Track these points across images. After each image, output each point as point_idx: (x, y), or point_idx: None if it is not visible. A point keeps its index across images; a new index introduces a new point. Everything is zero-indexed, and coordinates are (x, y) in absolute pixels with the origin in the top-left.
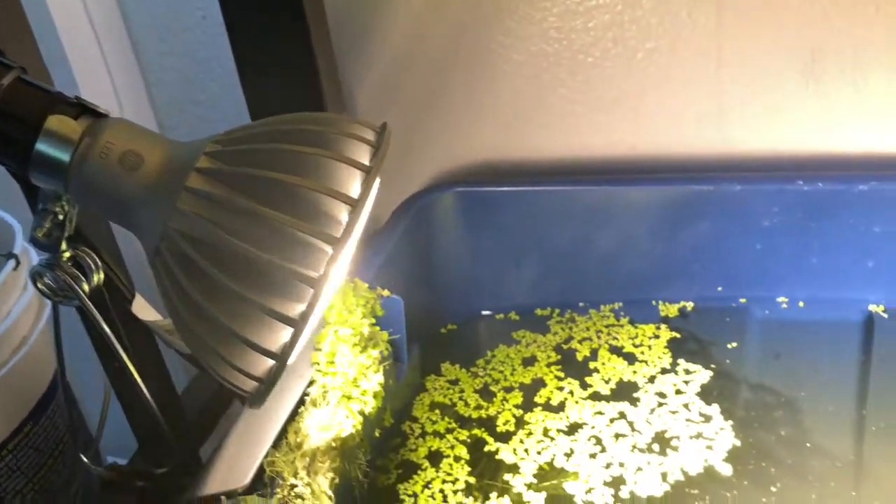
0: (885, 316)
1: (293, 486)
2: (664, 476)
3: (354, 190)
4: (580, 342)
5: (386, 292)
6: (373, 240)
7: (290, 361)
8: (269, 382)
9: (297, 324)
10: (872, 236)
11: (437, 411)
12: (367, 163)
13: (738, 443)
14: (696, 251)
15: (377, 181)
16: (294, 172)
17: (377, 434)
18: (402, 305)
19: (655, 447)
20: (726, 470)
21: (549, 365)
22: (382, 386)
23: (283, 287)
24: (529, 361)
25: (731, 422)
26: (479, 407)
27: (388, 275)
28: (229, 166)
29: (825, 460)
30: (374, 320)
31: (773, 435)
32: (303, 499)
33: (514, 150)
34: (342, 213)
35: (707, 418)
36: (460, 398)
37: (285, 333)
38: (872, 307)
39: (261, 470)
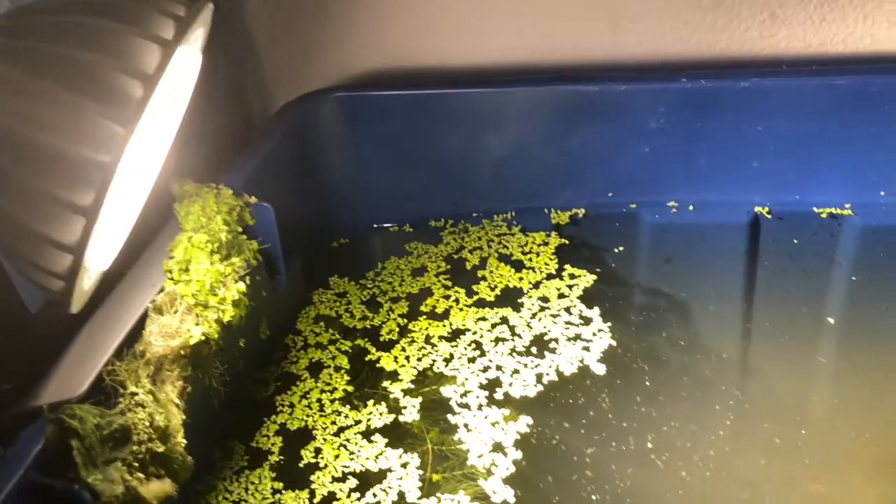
0: (770, 217)
1: (133, 395)
2: (539, 377)
3: (151, 66)
4: (471, 252)
5: (253, 199)
6: (244, 145)
7: (96, 260)
8: (68, 278)
9: (88, 212)
10: (756, 135)
11: (322, 324)
12: (168, 37)
13: (614, 343)
14: (586, 156)
15: (191, 58)
16: (87, 47)
17: (241, 344)
18: (273, 213)
19: (534, 350)
20: (600, 370)
21: (437, 275)
22: (245, 295)
23: (73, 173)
24: (419, 272)
25: (609, 324)
26: (364, 318)
27: (264, 183)
28: (15, 40)
29: (711, 361)
30: (240, 229)
31: (657, 336)
32: (144, 407)
33: (414, 57)
34: (137, 90)
35: (587, 321)
36: (346, 310)
37: (80, 225)
38: (758, 209)
39: (99, 379)
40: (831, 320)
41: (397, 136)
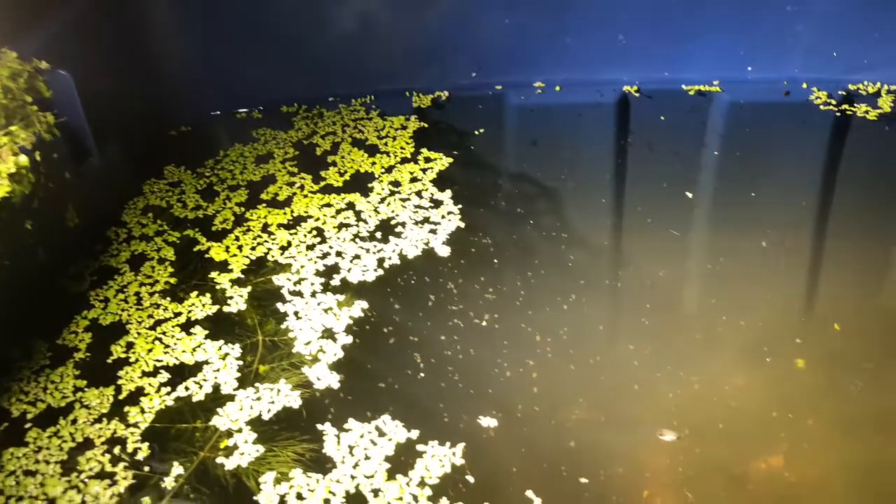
0: (638, 96)
1: None
2: (381, 262)
3: None
4: (323, 137)
5: (44, 64)
6: (46, 6)
7: None
8: None
9: None
10: (620, 5)
11: (150, 215)
12: None
13: (462, 225)
14: (444, 32)
15: None
16: None
17: (29, 226)
18: (73, 84)
19: (378, 235)
20: (445, 252)
21: (284, 161)
22: (30, 171)
23: None
24: (264, 159)
25: (460, 206)
26: (197, 208)
27: (70, 53)
28: None
29: (569, 242)
30: (29, 98)
31: (512, 218)
32: None
33: None
34: None
35: (437, 204)
36: (179, 200)
37: None
38: (626, 87)
39: None
40: (699, 199)
41: (240, 10)
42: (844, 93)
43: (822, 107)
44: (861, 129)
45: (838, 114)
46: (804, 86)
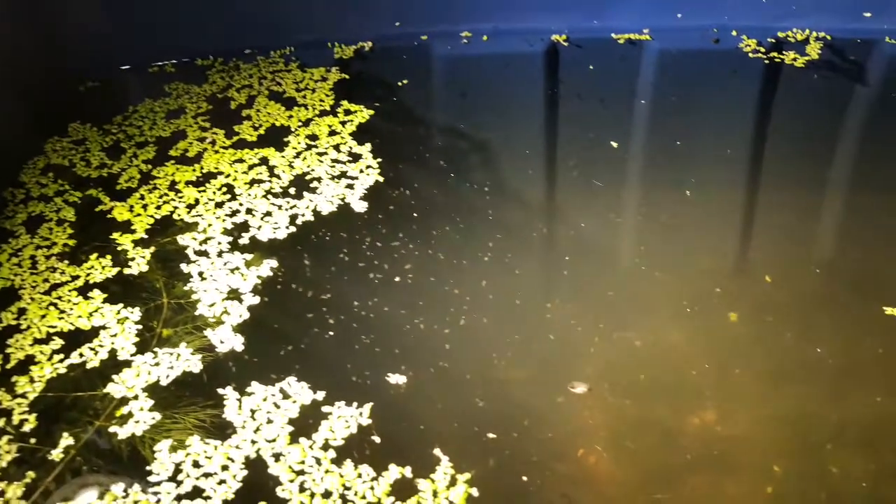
0: (567, 45)
1: None
2: (293, 219)
3: None
4: (238, 90)
5: None
6: None
7: None
8: None
9: None
10: None
11: (51, 174)
12: None
13: (381, 180)
14: None
15: None
16: None
17: None
18: None
19: (292, 191)
20: (361, 207)
21: (196, 116)
22: None
23: None
24: (175, 114)
25: (380, 160)
26: (102, 166)
27: None
28: None
29: (500, 200)
30: None
31: (433, 170)
32: None
33: None
34: None
35: (356, 158)
36: (82, 159)
37: None
38: (555, 37)
39: None
40: (627, 149)
41: None
42: (773, 40)
43: (751, 54)
44: (790, 76)
45: (767, 61)
46: (734, 33)
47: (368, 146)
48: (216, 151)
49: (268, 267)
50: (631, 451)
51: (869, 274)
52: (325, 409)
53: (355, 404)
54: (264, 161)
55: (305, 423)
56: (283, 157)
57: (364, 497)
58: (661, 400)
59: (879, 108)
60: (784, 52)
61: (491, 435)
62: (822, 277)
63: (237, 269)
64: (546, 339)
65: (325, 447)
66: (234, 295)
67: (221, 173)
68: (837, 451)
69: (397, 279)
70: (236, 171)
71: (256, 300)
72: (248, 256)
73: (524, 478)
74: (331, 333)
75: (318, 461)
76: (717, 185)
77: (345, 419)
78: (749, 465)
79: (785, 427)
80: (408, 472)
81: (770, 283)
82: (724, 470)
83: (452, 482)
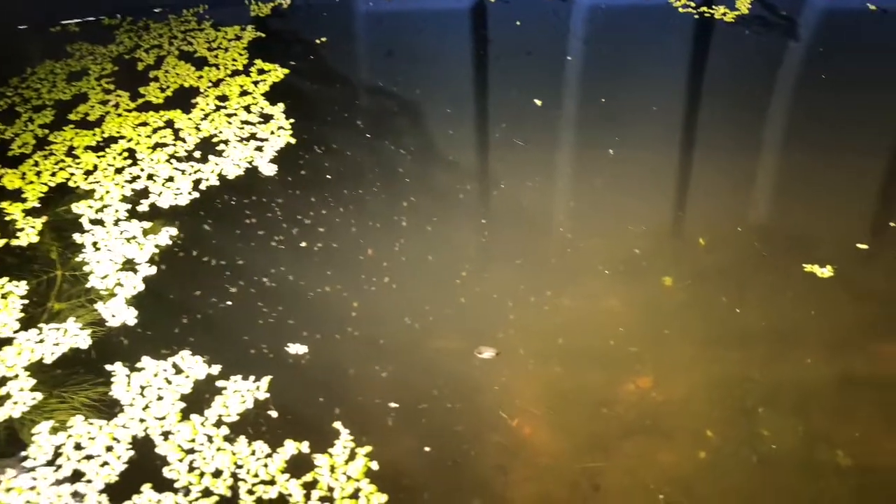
0: (494, 0)
1: None
2: (196, 184)
3: None
4: (147, 51)
5: None
6: None
7: None
8: None
9: None
10: None
11: None
12: None
13: (293, 141)
14: None
15: None
16: None
17: None
18: None
19: (197, 154)
20: (270, 170)
21: (99, 78)
22: None
23: None
24: (77, 76)
25: (293, 121)
26: None
27: None
28: None
29: (417, 161)
30: None
31: (349, 131)
32: None
33: None
34: None
35: (266, 119)
36: None
37: None
38: None
39: None
40: (552, 107)
41: None
42: None
43: (681, 9)
44: (720, 32)
45: (697, 16)
46: None
47: (281, 106)
48: (119, 115)
49: (167, 235)
50: (564, 419)
51: (804, 234)
52: (220, 383)
53: (252, 378)
54: (170, 124)
55: (198, 399)
56: (189, 119)
57: (257, 475)
58: (595, 367)
59: (811, 63)
60: (714, 7)
61: (393, 405)
62: (756, 239)
63: (134, 238)
64: (462, 306)
65: (218, 424)
66: (129, 265)
67: (123, 137)
68: (769, 414)
69: (304, 244)
70: (139, 135)
71: (153, 270)
72: (147, 224)
73: (426, 448)
74: (230, 303)
75: (210, 439)
76: (645, 145)
77: (241, 394)
78: (683, 431)
79: (718, 392)
80: (305, 447)
81: (704, 245)
82: (658, 436)
83: (352, 456)
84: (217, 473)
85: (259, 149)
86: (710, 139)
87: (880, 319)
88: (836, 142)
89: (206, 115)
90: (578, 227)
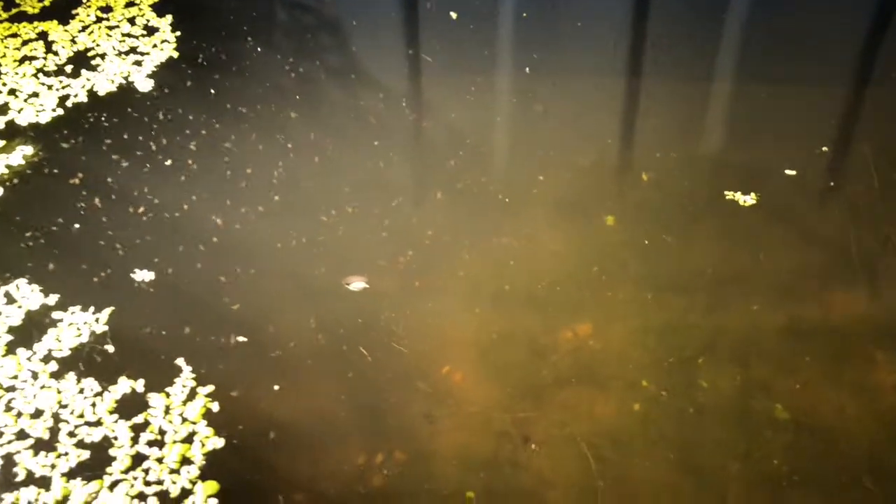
0: None
1: None
2: (62, 100)
3: None
4: None
5: None
6: None
7: None
8: None
9: None
10: None
11: None
12: None
13: (176, 55)
14: None
15: None
16: None
17: None
18: None
19: (68, 69)
20: (146, 86)
21: None
22: None
23: None
24: None
25: (179, 34)
26: None
27: None
28: None
29: (310, 78)
30: None
31: (252, 52)
32: None
33: None
34: None
35: (151, 31)
36: None
37: None
38: None
39: None
40: (496, 28)
41: None
42: None
43: None
44: None
45: None
46: None
47: (169, 19)
48: None
49: (20, 154)
50: (496, 366)
51: (756, 171)
52: (56, 314)
53: (92, 309)
54: (43, 36)
55: (28, 332)
56: (66, 31)
57: (82, 416)
58: (532, 312)
59: None
60: None
61: (241, 338)
62: (704, 174)
63: None
64: (338, 236)
65: (47, 359)
66: None
67: None
68: (709, 364)
69: (169, 162)
70: (7, 48)
71: None
72: (0, 143)
73: (276, 386)
74: (79, 227)
75: (35, 375)
76: (591, 73)
77: (76, 326)
78: (618, 381)
79: (659, 340)
80: (140, 385)
81: (647, 181)
82: (594, 386)
83: (191, 396)
84: (36, 414)
85: (138, 63)
86: (659, 67)
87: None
88: (791, 71)
89: (85, 27)
90: (520, 160)
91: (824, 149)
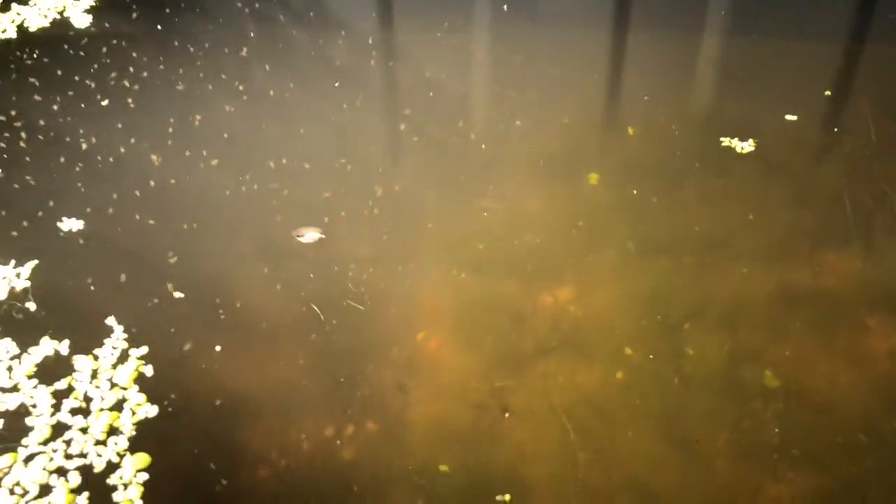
0: None
1: None
2: None
3: None
4: None
5: None
6: None
7: None
8: None
9: None
10: None
11: None
12: None
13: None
14: None
15: None
16: None
17: None
18: None
19: None
20: (84, 21)
21: None
22: None
23: None
24: None
25: None
26: None
27: None
28: None
29: (267, 17)
30: None
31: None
32: None
33: None
34: None
35: None
36: None
37: None
38: None
39: None
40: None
41: None
42: None
43: None
44: None
45: None
46: None
47: None
48: None
49: None
50: (474, 333)
51: (747, 126)
52: None
53: (14, 262)
54: None
55: None
56: None
57: None
58: (511, 276)
59: None
60: None
61: (178, 294)
62: (693, 128)
63: None
64: (292, 184)
65: None
66: None
67: None
68: (695, 331)
69: (106, 103)
70: None
71: None
72: None
73: (217, 347)
74: (1, 172)
75: None
76: (576, 22)
77: None
78: (601, 349)
79: (643, 305)
80: (64, 347)
81: (633, 136)
82: (575, 354)
83: (122, 358)
84: None
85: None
86: (647, 18)
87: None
88: (788, 25)
89: None
90: (503, 115)
91: (822, 99)
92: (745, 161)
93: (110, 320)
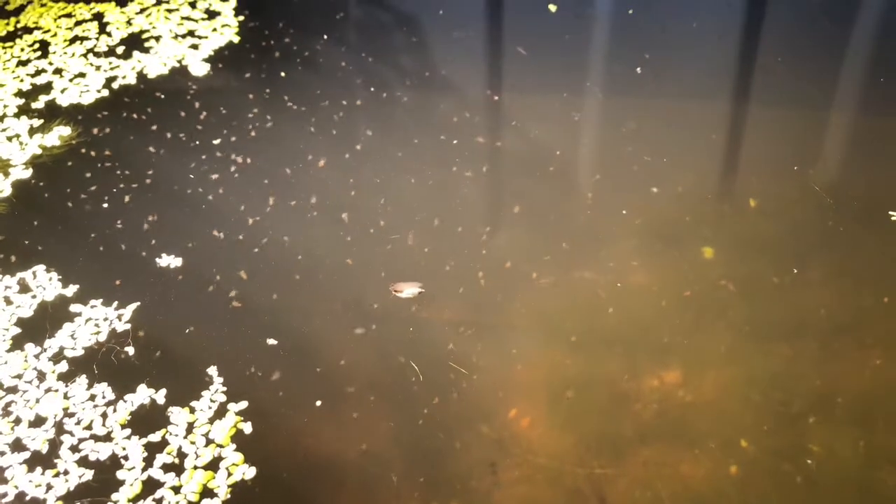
0: None
1: None
2: (109, 81)
3: None
4: None
5: None
6: None
7: None
8: None
9: None
10: None
11: None
12: None
13: (237, 40)
14: None
15: None
16: None
17: None
18: None
19: (119, 51)
20: (201, 70)
21: None
22: None
23: None
24: None
25: (242, 18)
26: None
27: None
28: None
29: (381, 78)
30: None
31: (317, 42)
32: None
33: None
34: None
35: (213, 15)
36: None
37: None
38: None
39: None
40: (591, 34)
41: None
42: None
43: None
44: None
45: None
46: None
47: (232, 3)
48: (43, 4)
49: (57, 135)
50: (570, 413)
51: (877, 200)
52: (74, 307)
53: (116, 304)
54: (98, 17)
55: (40, 326)
56: (123, 12)
57: (89, 427)
58: (614, 354)
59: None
60: None
61: (273, 341)
62: (820, 202)
63: (17, 136)
64: (399, 252)
65: (57, 358)
66: (3, 166)
67: (39, 28)
68: (821, 425)
69: (220, 154)
70: (59, 27)
71: (28, 174)
72: (37, 122)
73: (317, 403)
74: (114, 216)
75: (42, 376)
76: (697, 93)
77: (95, 322)
78: (712, 439)
79: (761, 393)
80: (161, 396)
81: (755, 208)
82: (683, 442)
83: (220, 413)
84: (37, 422)
85: (194, 47)
86: (770, 91)
87: None
88: None
89: (143, 10)
90: (611, 183)
91: None
92: (888, 252)
93: (211, 370)
